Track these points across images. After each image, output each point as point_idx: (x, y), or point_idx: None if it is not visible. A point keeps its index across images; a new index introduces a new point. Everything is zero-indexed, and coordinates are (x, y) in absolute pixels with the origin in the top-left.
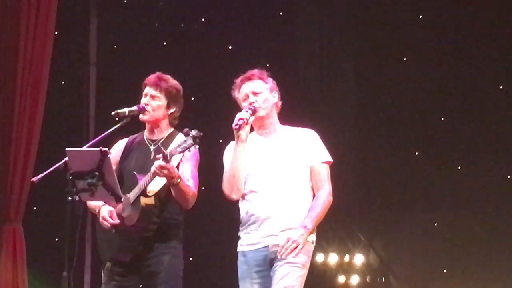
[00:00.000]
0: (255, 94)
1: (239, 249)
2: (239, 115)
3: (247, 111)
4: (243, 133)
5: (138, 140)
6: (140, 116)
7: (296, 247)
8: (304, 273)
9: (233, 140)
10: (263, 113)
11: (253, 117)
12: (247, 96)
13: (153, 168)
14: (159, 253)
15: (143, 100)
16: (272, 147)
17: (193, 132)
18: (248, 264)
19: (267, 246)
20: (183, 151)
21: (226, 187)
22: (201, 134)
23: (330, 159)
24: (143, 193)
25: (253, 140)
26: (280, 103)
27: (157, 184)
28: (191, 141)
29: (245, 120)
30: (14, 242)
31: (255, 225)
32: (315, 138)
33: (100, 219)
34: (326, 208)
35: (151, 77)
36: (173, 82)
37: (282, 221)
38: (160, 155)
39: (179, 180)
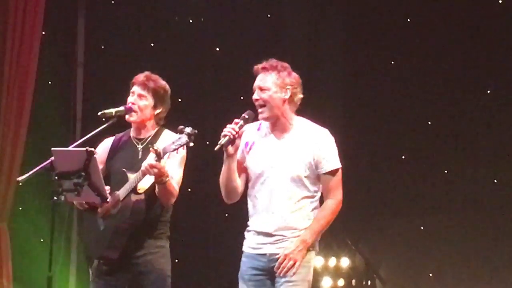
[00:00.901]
0: (261, 89)
1: (243, 248)
2: (225, 131)
3: (236, 123)
4: (231, 148)
5: (125, 139)
6: (127, 117)
7: (293, 265)
8: (307, 286)
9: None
10: (265, 115)
11: (243, 129)
12: (254, 90)
13: (143, 166)
14: (148, 252)
15: (130, 99)
16: (280, 151)
17: (188, 130)
18: (248, 265)
19: (265, 254)
20: (177, 148)
21: (221, 191)
22: (196, 131)
23: (339, 165)
24: (134, 190)
25: (265, 138)
26: (297, 98)
27: (147, 182)
28: (186, 139)
29: (231, 136)
30: None
31: (257, 228)
32: (326, 142)
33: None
34: (331, 218)
35: (140, 76)
36: (161, 82)
37: (282, 230)
38: (153, 153)
39: (167, 179)
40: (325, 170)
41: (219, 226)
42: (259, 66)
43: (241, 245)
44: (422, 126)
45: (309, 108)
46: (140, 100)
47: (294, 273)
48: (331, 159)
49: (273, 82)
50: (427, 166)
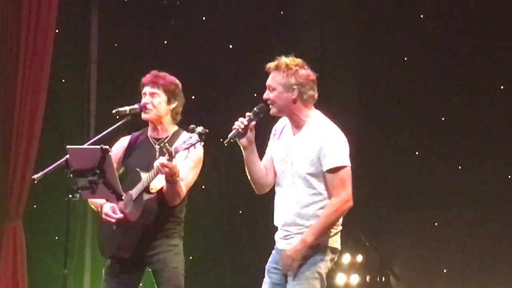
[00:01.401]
0: (269, 88)
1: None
2: (235, 124)
3: (247, 116)
4: (243, 140)
5: (142, 138)
6: (143, 115)
7: (291, 263)
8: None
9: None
10: (274, 111)
11: (253, 122)
12: (266, 87)
13: (155, 165)
14: (161, 250)
15: (143, 100)
16: (292, 146)
17: (199, 129)
18: (272, 258)
19: (279, 249)
20: (188, 148)
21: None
22: (207, 130)
23: (343, 163)
24: (146, 189)
25: (286, 134)
26: (308, 95)
27: (160, 181)
28: (197, 138)
29: (239, 129)
30: (14, 240)
31: (276, 222)
32: (331, 140)
33: (103, 215)
34: (334, 217)
35: (147, 76)
36: (170, 77)
37: (290, 228)
38: (166, 156)
39: (178, 178)
40: (327, 167)
41: (232, 223)
42: (269, 65)
43: (254, 241)
44: (436, 122)
45: (323, 105)
46: (153, 98)
47: (297, 272)
48: (334, 157)
49: (278, 83)
50: (441, 162)
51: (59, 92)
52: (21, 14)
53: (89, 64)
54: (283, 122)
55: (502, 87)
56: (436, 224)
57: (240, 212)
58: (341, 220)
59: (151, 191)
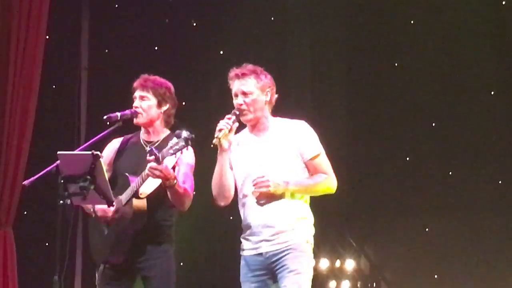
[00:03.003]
0: (244, 94)
1: (241, 253)
2: (219, 125)
3: (229, 118)
4: (225, 142)
5: (133, 140)
6: (135, 120)
7: (263, 183)
8: (311, 274)
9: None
10: (250, 117)
11: (236, 124)
12: (236, 95)
13: (146, 170)
14: (152, 256)
15: (134, 104)
16: (262, 148)
17: (185, 134)
18: (248, 268)
19: (262, 253)
20: (175, 153)
21: (213, 193)
22: (193, 136)
23: (321, 149)
24: (135, 194)
25: (245, 139)
26: (274, 98)
27: (149, 186)
28: (183, 143)
29: (226, 129)
30: (4, 246)
31: (250, 230)
32: (304, 131)
33: (99, 213)
34: (320, 186)
35: (138, 80)
36: (160, 80)
37: (274, 226)
38: (152, 157)
39: (174, 181)
40: (311, 155)
41: (224, 229)
42: (237, 71)
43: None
44: (426, 127)
45: (313, 111)
46: (143, 102)
47: (290, 265)
48: (312, 146)
49: (254, 86)
50: (431, 167)
51: (50, 98)
52: (11, 20)
53: (80, 70)
54: (237, 136)
55: (492, 93)
56: (427, 229)
57: (231, 218)
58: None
59: (140, 196)
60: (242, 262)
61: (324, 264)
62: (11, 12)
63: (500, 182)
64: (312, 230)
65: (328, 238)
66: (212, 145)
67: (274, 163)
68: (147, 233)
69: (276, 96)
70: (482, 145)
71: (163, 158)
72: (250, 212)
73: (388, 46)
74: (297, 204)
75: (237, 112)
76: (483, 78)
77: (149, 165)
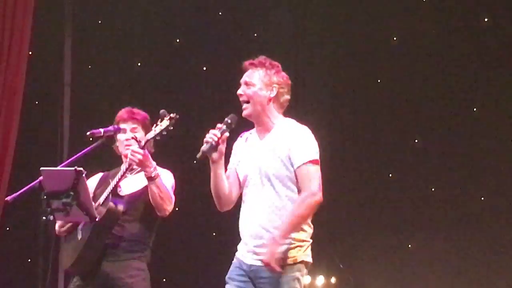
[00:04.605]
0: (246, 84)
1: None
2: (207, 137)
3: (219, 128)
4: (215, 154)
5: (114, 172)
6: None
7: (272, 268)
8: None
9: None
10: (249, 110)
11: (227, 134)
12: (240, 85)
13: (127, 159)
14: (128, 274)
15: (125, 136)
16: (261, 151)
17: (171, 114)
18: (238, 267)
19: (247, 264)
20: (159, 133)
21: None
22: (177, 116)
23: (311, 158)
24: (114, 190)
25: (250, 140)
26: (284, 99)
27: (130, 185)
28: (167, 123)
29: (212, 142)
30: None
31: (242, 236)
32: (299, 137)
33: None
34: (301, 211)
35: (124, 113)
36: (143, 113)
37: (262, 236)
38: (133, 141)
39: (155, 172)
40: (297, 164)
41: (207, 245)
42: (248, 61)
43: (229, 263)
44: (408, 144)
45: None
46: (134, 133)
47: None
48: (302, 153)
49: (259, 79)
50: (414, 184)
51: (32, 114)
52: None
53: (62, 86)
54: (240, 144)
55: (474, 109)
56: (409, 246)
57: (214, 234)
58: (311, 232)
59: (120, 193)
60: (235, 260)
61: (307, 280)
62: None
63: (482, 198)
64: (307, 247)
65: (324, 254)
66: (194, 161)
67: (267, 168)
68: (125, 248)
69: (286, 97)
70: (464, 161)
71: (147, 140)
72: (243, 218)
73: (370, 63)
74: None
75: (229, 121)
76: (466, 95)
77: (130, 148)
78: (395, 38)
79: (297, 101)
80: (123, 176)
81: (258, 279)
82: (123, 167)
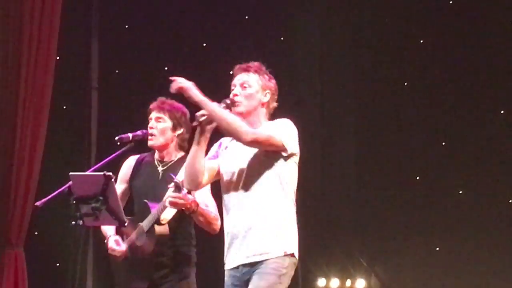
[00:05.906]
0: (242, 86)
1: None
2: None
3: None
4: (210, 126)
5: (147, 159)
6: (149, 142)
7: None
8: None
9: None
10: (241, 109)
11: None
12: (235, 86)
13: (167, 202)
14: (174, 281)
15: (149, 125)
16: (243, 154)
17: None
18: (229, 281)
19: (238, 267)
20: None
21: (184, 175)
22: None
23: (283, 130)
24: (157, 221)
25: (233, 144)
26: (273, 105)
27: (169, 212)
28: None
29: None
30: (15, 267)
31: (227, 243)
32: (276, 123)
33: (109, 250)
34: (228, 118)
35: (155, 102)
36: (177, 104)
37: (247, 243)
38: (172, 184)
39: (196, 207)
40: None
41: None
42: (243, 65)
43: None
44: (436, 147)
45: (322, 130)
46: (158, 123)
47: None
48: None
49: (256, 81)
50: (441, 187)
51: (60, 118)
52: (21, 40)
53: (90, 90)
54: (226, 140)
55: (502, 112)
56: (437, 249)
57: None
58: (295, 224)
59: (162, 222)
60: (225, 277)
61: (335, 283)
62: (22, 33)
63: (510, 201)
64: (296, 243)
65: (338, 257)
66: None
67: (244, 179)
68: (169, 258)
69: (275, 104)
70: (492, 164)
71: (183, 185)
72: (227, 224)
73: (397, 66)
74: (275, 219)
75: (228, 101)
76: (493, 97)
77: (169, 196)
78: (421, 41)
79: (324, 104)
80: (164, 208)
81: (251, 277)
82: (163, 203)
